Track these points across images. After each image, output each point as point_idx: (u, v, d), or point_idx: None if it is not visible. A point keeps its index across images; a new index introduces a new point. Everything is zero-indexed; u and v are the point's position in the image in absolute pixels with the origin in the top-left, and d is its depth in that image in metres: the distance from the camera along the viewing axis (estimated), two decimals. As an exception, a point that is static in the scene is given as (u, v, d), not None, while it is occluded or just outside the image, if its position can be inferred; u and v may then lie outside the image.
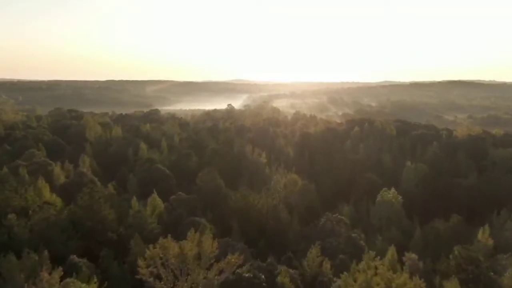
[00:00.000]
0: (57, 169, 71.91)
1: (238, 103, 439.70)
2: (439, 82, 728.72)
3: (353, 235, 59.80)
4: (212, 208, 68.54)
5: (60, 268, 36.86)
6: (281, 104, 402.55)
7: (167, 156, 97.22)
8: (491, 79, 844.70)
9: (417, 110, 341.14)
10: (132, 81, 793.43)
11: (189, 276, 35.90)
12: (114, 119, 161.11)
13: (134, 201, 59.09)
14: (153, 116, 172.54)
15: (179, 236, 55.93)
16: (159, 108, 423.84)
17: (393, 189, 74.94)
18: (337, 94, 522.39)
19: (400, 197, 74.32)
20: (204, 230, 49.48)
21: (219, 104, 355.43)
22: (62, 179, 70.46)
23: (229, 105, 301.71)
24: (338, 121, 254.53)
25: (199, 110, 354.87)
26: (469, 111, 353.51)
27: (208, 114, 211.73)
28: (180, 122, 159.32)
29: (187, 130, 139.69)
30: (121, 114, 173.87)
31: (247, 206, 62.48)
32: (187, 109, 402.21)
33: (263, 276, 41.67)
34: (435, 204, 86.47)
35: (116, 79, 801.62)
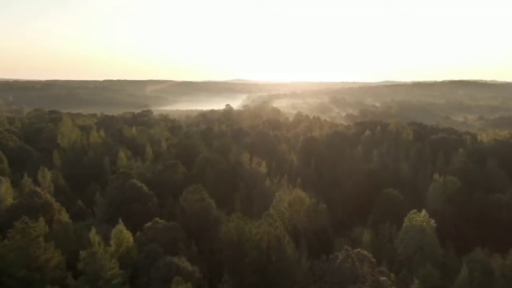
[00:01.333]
0: (4, 187, 57.30)
1: (237, 103, 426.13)
2: (442, 82, 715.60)
3: (382, 278, 45.35)
4: (199, 239, 54.04)
5: None
6: (281, 105, 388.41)
7: (149, 166, 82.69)
8: (492, 79, 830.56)
9: (424, 111, 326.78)
10: (131, 81, 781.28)
11: None
12: (99, 121, 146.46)
13: (93, 234, 44.53)
14: (143, 118, 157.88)
15: (149, 286, 41.69)
16: (156, 108, 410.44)
17: (424, 211, 60.37)
18: (338, 94, 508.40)
19: (433, 221, 59.82)
20: (180, 284, 35.04)
21: (217, 105, 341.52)
22: (9, 200, 55.93)
23: (227, 105, 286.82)
24: (342, 122, 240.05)
25: (196, 110, 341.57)
26: (477, 112, 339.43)
27: (204, 116, 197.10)
28: (172, 124, 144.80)
29: (178, 134, 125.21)
30: (107, 115, 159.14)
31: (242, 240, 47.93)
32: (184, 109, 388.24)
33: None
34: (469, 227, 72.28)
35: (115, 79, 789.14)
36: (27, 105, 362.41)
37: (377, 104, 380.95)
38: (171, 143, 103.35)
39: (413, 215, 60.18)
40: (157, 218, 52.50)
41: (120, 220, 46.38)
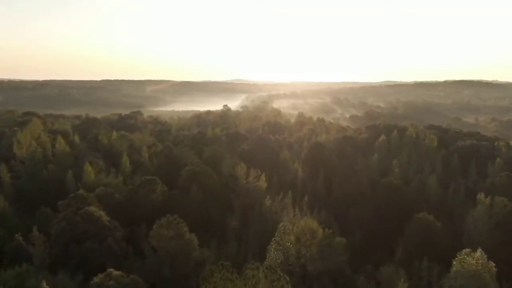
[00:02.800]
0: None
1: (236, 103, 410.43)
2: (445, 82, 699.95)
3: None
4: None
5: None
6: (281, 105, 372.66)
7: (121, 183, 67.05)
8: (494, 79, 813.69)
9: (431, 112, 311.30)
10: (129, 80, 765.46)
11: None
12: (78, 124, 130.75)
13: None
14: (128, 121, 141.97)
15: None
16: (152, 109, 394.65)
17: (479, 251, 44.80)
18: (340, 94, 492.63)
19: (492, 265, 44.28)
20: None
21: (215, 105, 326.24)
22: None
23: (224, 106, 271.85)
24: (347, 124, 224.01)
25: (193, 111, 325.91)
26: (487, 113, 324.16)
27: (199, 117, 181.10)
28: (160, 128, 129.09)
29: (165, 140, 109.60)
30: (90, 117, 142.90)
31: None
32: (181, 110, 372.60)
33: None
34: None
35: (113, 78, 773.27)
36: (16, 105, 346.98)
37: (381, 105, 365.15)
38: (154, 152, 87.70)
39: (464, 256, 44.63)
40: (112, 270, 36.81)
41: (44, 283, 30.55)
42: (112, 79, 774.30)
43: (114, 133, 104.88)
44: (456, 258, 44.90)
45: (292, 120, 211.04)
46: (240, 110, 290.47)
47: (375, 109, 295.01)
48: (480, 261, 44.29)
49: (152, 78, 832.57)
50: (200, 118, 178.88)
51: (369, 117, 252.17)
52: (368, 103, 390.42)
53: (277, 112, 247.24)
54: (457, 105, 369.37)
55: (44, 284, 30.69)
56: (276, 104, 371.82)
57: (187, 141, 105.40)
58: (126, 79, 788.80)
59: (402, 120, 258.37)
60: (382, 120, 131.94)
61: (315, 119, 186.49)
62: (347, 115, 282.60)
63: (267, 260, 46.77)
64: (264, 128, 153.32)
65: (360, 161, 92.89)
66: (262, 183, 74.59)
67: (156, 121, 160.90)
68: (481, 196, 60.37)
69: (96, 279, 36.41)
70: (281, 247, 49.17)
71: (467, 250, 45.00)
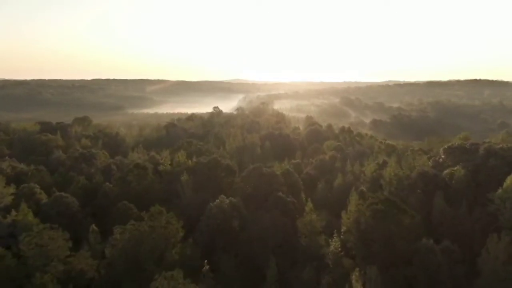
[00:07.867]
0: None
1: (232, 104, 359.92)
2: (458, 81, 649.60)
3: None
4: None
5: None
6: (284, 106, 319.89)
7: None
8: (498, 78, 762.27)
9: (464, 114, 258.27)
10: (125, 80, 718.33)
11: None
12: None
13: None
14: (48, 137, 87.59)
15: None
16: (132, 111, 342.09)
17: None
18: (347, 94, 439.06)
19: None
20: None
21: (207, 106, 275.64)
22: None
23: (215, 108, 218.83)
24: (369, 132, 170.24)
25: (180, 113, 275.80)
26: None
27: (172, 126, 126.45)
28: (82, 151, 75.01)
29: (72, 180, 56.14)
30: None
31: None
32: (165, 112, 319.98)
33: None
34: None
35: (104, 78, 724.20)
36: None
37: (402, 106, 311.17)
38: None
39: None
40: None
41: None
42: (104, 78, 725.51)
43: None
44: None
45: (301, 127, 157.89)
46: (235, 113, 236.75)
47: (403, 112, 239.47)
48: None
49: (151, 78, 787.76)
50: (173, 128, 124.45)
51: (398, 122, 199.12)
52: (385, 104, 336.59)
53: (281, 117, 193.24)
54: (489, 106, 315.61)
55: None
56: (277, 105, 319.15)
57: (111, 189, 51.75)
58: (125, 78, 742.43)
59: (439, 126, 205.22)
60: (463, 138, 78.24)
61: (339, 129, 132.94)
62: (366, 120, 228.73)
63: None
64: (264, 146, 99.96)
65: (493, 248, 39.16)
66: None
67: (101, 133, 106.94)
68: None
69: None
70: None
71: None
